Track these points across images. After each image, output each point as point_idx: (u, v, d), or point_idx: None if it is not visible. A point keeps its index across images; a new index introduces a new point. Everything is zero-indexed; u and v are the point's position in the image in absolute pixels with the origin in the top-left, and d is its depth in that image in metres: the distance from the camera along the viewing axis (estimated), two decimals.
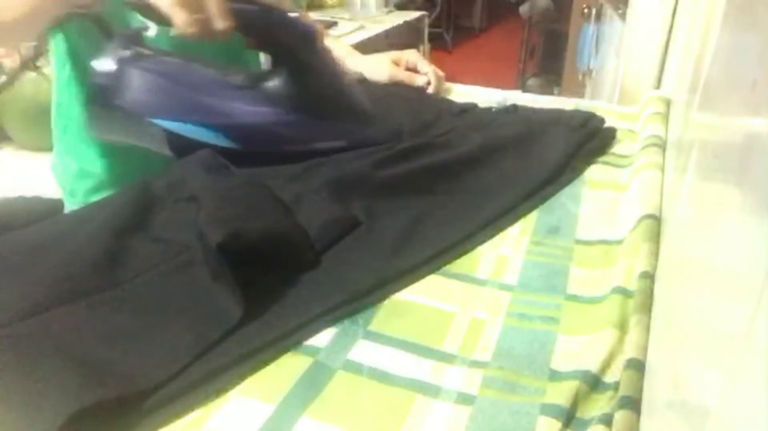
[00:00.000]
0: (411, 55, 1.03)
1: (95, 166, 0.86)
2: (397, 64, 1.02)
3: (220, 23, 0.62)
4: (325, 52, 0.75)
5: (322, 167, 0.71)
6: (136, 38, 0.71)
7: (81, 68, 0.80)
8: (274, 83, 0.72)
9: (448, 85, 1.06)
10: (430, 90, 0.99)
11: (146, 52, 0.71)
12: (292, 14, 0.71)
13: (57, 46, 0.82)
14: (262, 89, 0.72)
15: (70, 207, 0.84)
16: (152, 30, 0.70)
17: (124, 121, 0.70)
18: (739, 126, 0.33)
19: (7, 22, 0.64)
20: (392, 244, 0.59)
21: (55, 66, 0.85)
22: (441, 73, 1.02)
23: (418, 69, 1.02)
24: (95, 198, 0.66)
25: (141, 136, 0.72)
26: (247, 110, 0.71)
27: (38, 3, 0.65)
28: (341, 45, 1.14)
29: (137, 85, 0.68)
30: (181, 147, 0.70)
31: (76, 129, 0.86)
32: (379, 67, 1.02)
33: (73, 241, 0.56)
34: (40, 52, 1.26)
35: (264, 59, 0.91)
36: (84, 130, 0.83)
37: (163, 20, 0.62)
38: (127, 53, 0.69)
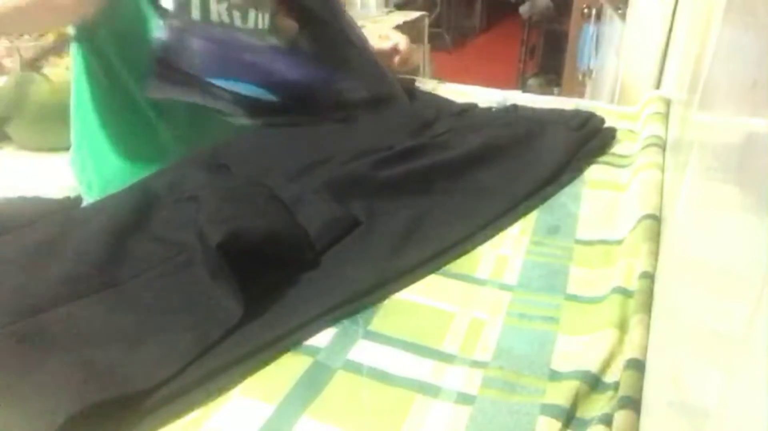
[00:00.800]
0: (383, 29, 1.11)
1: (112, 158, 0.87)
2: None
3: None
4: (342, 12, 0.94)
5: (322, 167, 0.71)
6: (182, 11, 0.81)
7: (104, 57, 0.82)
8: (302, 43, 0.90)
9: (449, 85, 1.06)
10: (397, 58, 1.02)
11: (194, 21, 0.82)
12: None
13: (78, 39, 0.83)
14: (293, 50, 0.90)
15: (87, 201, 0.84)
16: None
17: (183, 82, 0.80)
18: (739, 126, 0.33)
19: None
20: (392, 244, 0.59)
21: (75, 59, 0.85)
22: (413, 45, 1.05)
23: (390, 37, 1.05)
24: (111, 191, 0.67)
25: (200, 94, 0.82)
26: (284, 67, 0.88)
27: None
28: None
29: (193, 49, 0.79)
30: (243, 105, 0.83)
31: (94, 123, 0.87)
32: None
33: (73, 241, 0.56)
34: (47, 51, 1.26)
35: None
36: (101, 125, 0.86)
37: None
38: (177, 23, 0.78)
